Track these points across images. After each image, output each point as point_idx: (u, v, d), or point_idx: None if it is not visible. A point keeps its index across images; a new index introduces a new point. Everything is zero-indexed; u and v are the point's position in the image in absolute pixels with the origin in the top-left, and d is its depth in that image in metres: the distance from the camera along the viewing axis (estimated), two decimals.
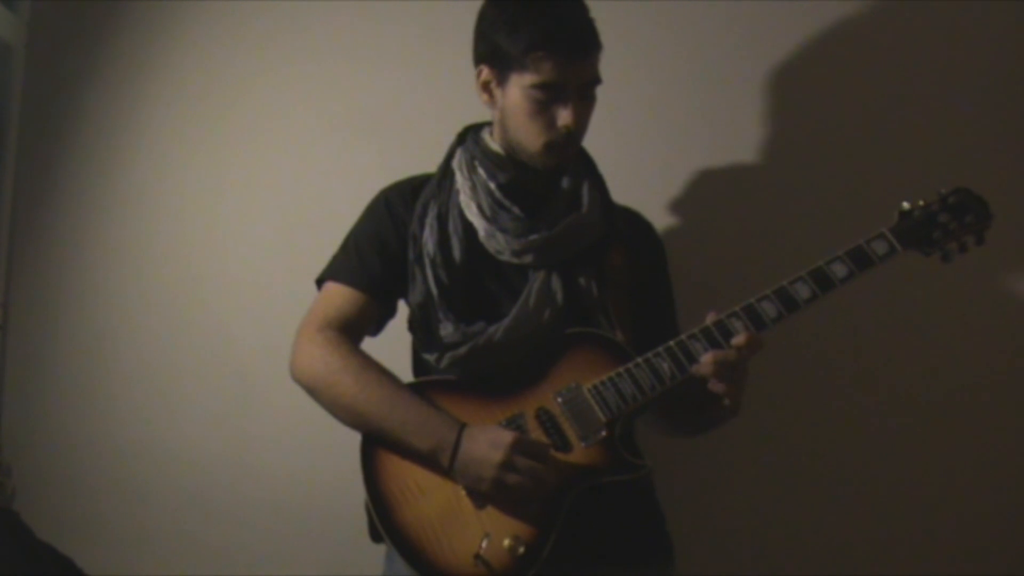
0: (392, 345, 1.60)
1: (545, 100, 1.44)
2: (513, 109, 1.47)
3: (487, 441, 1.38)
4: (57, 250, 2.12)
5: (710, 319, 1.45)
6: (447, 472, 1.41)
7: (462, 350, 1.46)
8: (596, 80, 1.48)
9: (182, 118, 2.11)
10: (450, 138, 1.62)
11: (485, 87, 1.51)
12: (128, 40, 2.13)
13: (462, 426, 1.41)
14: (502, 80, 1.48)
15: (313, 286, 1.60)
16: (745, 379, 1.43)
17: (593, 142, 1.58)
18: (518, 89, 1.45)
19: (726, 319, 1.43)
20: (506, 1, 1.47)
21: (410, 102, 2.04)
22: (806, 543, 1.90)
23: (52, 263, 2.12)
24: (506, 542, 1.37)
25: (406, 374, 1.56)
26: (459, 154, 1.58)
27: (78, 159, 2.13)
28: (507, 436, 1.38)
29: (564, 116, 1.44)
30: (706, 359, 1.40)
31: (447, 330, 1.48)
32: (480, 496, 1.40)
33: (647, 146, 1.97)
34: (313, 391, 1.50)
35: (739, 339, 1.41)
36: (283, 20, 2.09)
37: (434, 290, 1.49)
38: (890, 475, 1.89)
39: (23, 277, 2.13)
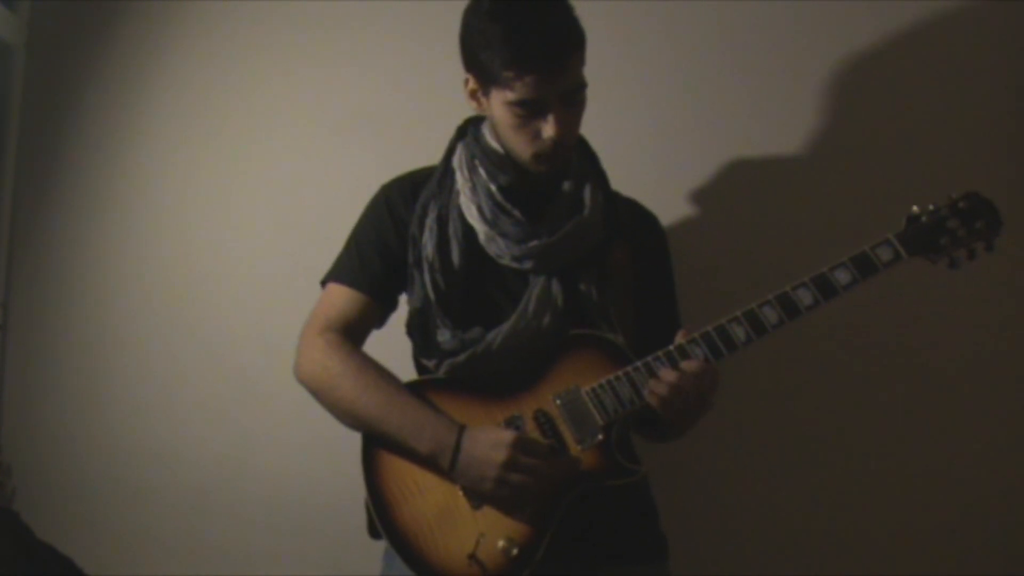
0: (395, 344, 1.59)
1: (526, 115, 1.40)
2: (498, 121, 1.45)
3: (488, 442, 1.38)
4: (57, 250, 2.13)
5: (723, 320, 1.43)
6: (447, 473, 1.41)
7: (460, 358, 1.46)
8: (579, 86, 1.43)
9: (182, 118, 2.11)
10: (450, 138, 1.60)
11: (473, 95, 1.48)
12: (128, 40, 2.13)
13: (461, 428, 1.41)
14: (486, 92, 1.45)
15: (313, 285, 1.59)
16: (698, 407, 1.41)
17: (596, 137, 1.57)
18: (500, 104, 1.42)
19: (727, 324, 1.42)
20: (480, 14, 1.41)
21: (411, 103, 2.04)
22: (801, 542, 1.90)
23: (52, 263, 2.12)
24: (500, 543, 1.38)
25: (408, 372, 1.56)
26: (459, 151, 1.55)
27: (78, 159, 2.14)
28: (508, 436, 1.38)
29: (547, 129, 1.40)
30: (653, 383, 1.39)
31: (444, 337, 1.47)
32: (476, 496, 1.41)
33: (650, 142, 1.96)
34: (315, 394, 1.51)
35: (690, 364, 1.40)
36: (283, 20, 2.09)
37: (431, 295, 1.48)
38: (887, 475, 1.89)
39: (23, 277, 2.13)
